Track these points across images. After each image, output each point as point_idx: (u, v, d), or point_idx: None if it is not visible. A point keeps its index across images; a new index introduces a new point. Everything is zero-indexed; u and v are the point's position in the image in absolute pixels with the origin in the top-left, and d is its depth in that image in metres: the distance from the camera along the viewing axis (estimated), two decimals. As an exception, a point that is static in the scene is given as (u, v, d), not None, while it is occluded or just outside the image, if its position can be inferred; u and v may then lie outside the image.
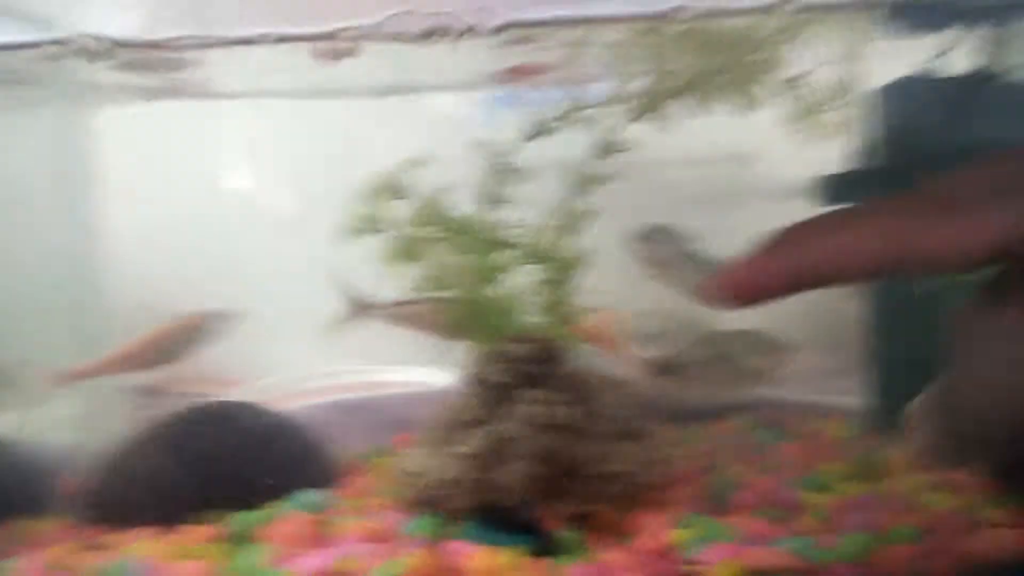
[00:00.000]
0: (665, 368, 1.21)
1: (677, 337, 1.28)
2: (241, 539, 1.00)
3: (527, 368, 1.05)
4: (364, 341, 1.84)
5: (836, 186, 1.29)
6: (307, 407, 1.54)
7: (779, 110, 1.16)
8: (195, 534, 1.00)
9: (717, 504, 1.02)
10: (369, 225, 1.14)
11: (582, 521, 0.99)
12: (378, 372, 1.81)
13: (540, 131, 1.11)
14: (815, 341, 1.77)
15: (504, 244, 1.15)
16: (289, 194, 1.71)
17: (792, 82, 1.16)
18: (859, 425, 1.29)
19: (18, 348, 1.35)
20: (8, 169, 1.33)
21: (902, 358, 1.22)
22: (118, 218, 1.42)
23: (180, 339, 1.49)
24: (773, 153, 1.56)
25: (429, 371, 1.77)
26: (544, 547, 0.93)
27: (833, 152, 1.32)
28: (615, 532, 0.98)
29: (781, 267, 0.69)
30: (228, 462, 1.12)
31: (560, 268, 1.16)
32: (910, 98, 1.26)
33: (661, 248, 0.93)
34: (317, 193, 1.68)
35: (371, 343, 1.83)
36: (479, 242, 1.14)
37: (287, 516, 1.02)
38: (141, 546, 0.98)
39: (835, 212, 0.69)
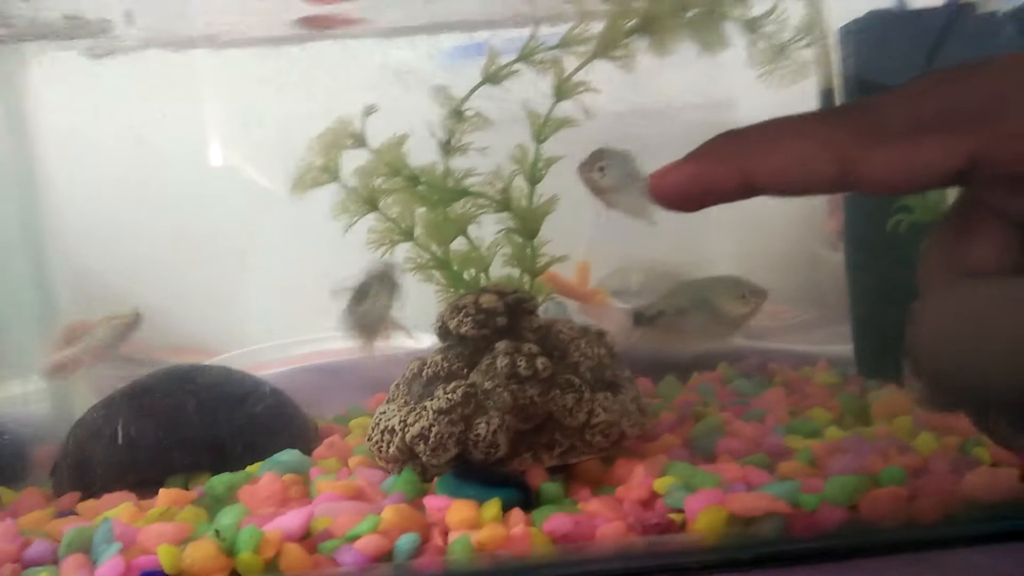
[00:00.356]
0: (641, 318, 1.19)
1: (651, 286, 1.25)
2: (218, 501, 0.99)
3: (500, 320, 1.03)
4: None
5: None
6: (284, 372, 1.52)
7: (747, 50, 1.13)
8: (172, 497, 0.98)
9: (702, 453, 1.01)
10: (323, 176, 1.11)
11: (563, 472, 0.97)
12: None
13: (498, 76, 1.07)
14: (798, 290, 1.76)
15: (467, 193, 1.13)
16: (243, 149, 1.67)
17: (759, 20, 1.12)
18: (845, 371, 1.27)
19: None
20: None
21: (886, 302, 1.20)
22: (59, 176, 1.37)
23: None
24: (743, 97, 1.53)
25: (409, 333, 1.75)
26: (524, 499, 0.91)
27: (803, 94, 1.28)
28: (597, 482, 0.97)
29: (724, 170, 0.64)
30: (203, 425, 1.10)
31: (527, 218, 1.14)
32: (880, 34, 1.21)
33: (609, 172, 0.91)
34: (272, 146, 1.66)
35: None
36: (441, 191, 1.12)
37: (264, 478, 1.00)
38: (117, 511, 0.96)
39: (784, 119, 0.64)
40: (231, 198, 1.56)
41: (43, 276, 1.32)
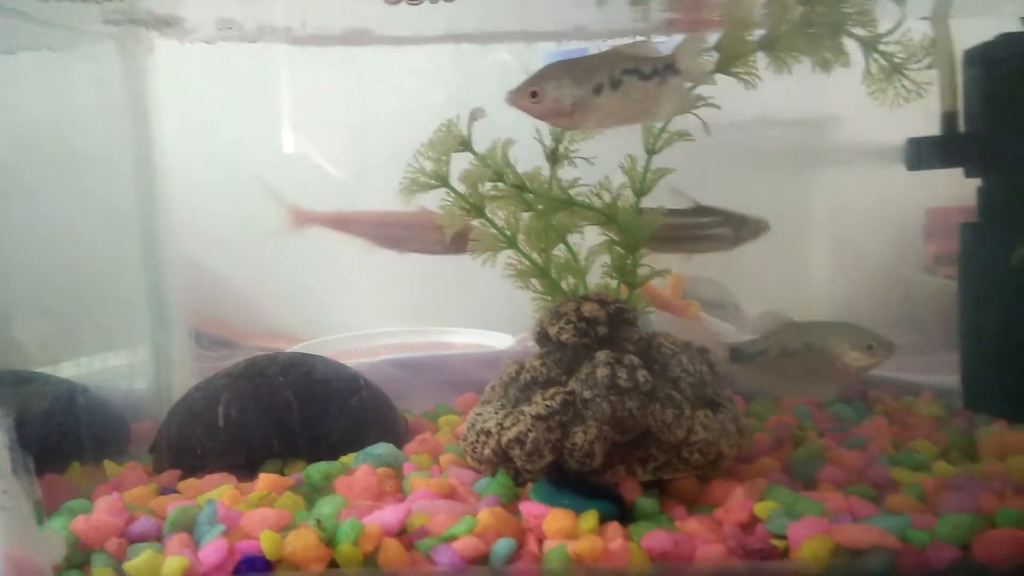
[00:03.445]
0: (739, 355, 1.15)
1: (759, 324, 1.22)
2: (315, 490, 1.00)
3: (601, 330, 1.02)
4: (426, 303, 1.85)
5: (919, 152, 1.22)
6: (369, 364, 1.54)
7: (866, 68, 1.10)
8: (271, 483, 1.00)
9: (802, 479, 0.98)
10: (430, 181, 1.11)
11: (656, 488, 0.96)
12: (439, 333, 1.80)
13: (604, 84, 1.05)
14: (893, 315, 1.71)
15: (574, 203, 1.11)
16: (349, 148, 1.70)
17: (880, 38, 1.09)
18: (950, 403, 1.23)
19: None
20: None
21: (1001, 335, 1.15)
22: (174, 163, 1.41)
23: None
24: (858, 115, 1.49)
25: (490, 333, 1.76)
26: (619, 513, 0.90)
27: (921, 115, 1.24)
28: (692, 501, 0.95)
29: None
30: (301, 413, 1.12)
31: (631, 230, 1.12)
32: (1008, 58, 1.17)
33: (545, 96, 0.90)
34: (376, 147, 1.68)
35: (433, 305, 1.84)
36: (547, 200, 1.11)
37: (359, 469, 1.01)
38: (218, 492, 0.99)
39: None
40: (331, 193, 1.60)
41: (152, 258, 1.36)
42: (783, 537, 0.84)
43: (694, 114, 1.07)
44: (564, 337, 1.02)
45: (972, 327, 1.19)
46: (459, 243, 1.21)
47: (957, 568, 0.80)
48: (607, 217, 1.12)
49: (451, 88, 1.54)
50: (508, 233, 1.15)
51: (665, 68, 0.98)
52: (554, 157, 1.13)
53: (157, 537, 0.91)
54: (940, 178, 1.30)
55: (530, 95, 0.97)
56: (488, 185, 1.13)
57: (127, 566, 0.84)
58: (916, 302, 1.77)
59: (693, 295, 1.61)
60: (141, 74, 1.32)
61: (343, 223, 1.42)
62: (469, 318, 1.80)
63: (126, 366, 1.36)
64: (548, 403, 0.97)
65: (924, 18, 1.17)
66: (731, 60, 1.06)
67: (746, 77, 1.07)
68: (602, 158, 1.13)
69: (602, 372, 0.97)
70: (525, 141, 1.14)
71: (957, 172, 1.25)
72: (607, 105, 0.98)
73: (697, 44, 1.01)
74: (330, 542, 0.85)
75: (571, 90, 0.97)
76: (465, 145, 1.11)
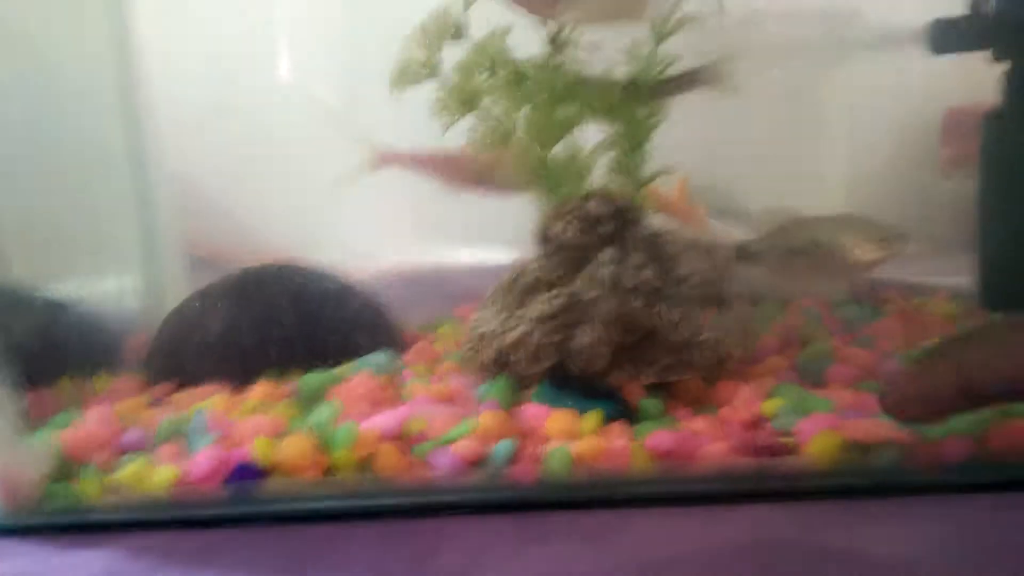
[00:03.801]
0: (744, 252, 1.11)
1: (761, 219, 1.17)
2: (312, 398, 0.98)
3: (605, 228, 0.97)
4: (431, 219, 1.80)
5: (945, 34, 1.15)
6: (369, 275, 1.50)
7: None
8: (265, 391, 0.98)
9: (811, 378, 0.95)
10: (422, 71, 1.04)
11: (662, 390, 0.93)
12: (443, 251, 1.76)
13: None
14: (906, 219, 1.66)
15: (573, 95, 1.05)
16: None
17: None
18: (967, 302, 1.19)
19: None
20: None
21: (1013, 237, 1.11)
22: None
23: None
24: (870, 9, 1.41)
25: (494, 247, 1.72)
26: (624, 414, 0.88)
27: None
28: (698, 402, 0.92)
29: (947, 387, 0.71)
30: (296, 322, 1.09)
31: (636, 125, 1.06)
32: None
33: None
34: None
35: (439, 222, 1.79)
36: (546, 92, 1.04)
37: (357, 377, 0.98)
38: (211, 402, 0.96)
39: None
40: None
41: (141, 180, 1.32)
42: (791, 434, 0.81)
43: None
44: (568, 235, 0.98)
45: (993, 223, 1.14)
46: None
47: (973, 462, 0.78)
48: (610, 110, 1.06)
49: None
50: (506, 127, 1.09)
51: None
52: (555, 42, 1.06)
53: (148, 448, 0.89)
54: (962, 69, 1.24)
55: None
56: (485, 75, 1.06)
57: (117, 476, 0.83)
58: (930, 206, 1.72)
59: (713, 203, 1.57)
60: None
61: (422, 164, 1.36)
62: (472, 235, 1.76)
63: (115, 288, 1.32)
64: (550, 304, 0.93)
65: None
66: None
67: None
68: (608, 44, 1.07)
69: (606, 270, 0.94)
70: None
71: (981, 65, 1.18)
72: None
73: None
74: (326, 447, 0.83)
75: None
76: (458, 31, 1.05)
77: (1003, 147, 1.12)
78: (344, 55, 1.64)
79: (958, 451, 0.78)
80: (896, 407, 0.76)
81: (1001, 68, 1.15)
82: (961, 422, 0.79)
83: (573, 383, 0.91)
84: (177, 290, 1.39)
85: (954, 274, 1.31)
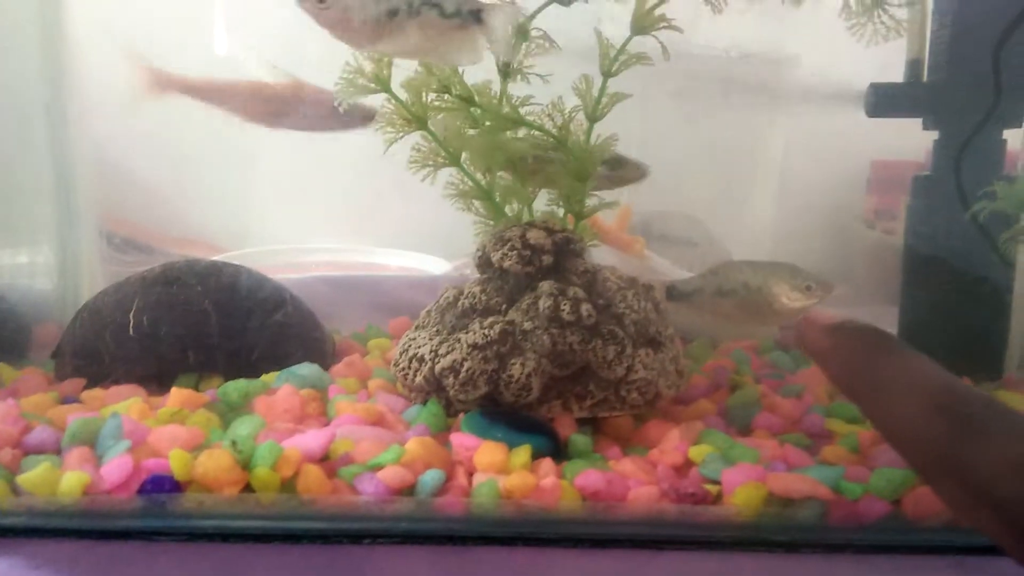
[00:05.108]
0: (674, 293, 1.12)
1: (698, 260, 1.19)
2: (232, 409, 0.94)
3: (546, 259, 0.97)
4: (362, 221, 1.77)
5: (880, 99, 1.19)
6: (299, 279, 1.46)
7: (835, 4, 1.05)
8: (183, 398, 0.94)
9: (738, 424, 0.97)
10: (369, 84, 1.02)
11: (591, 425, 0.93)
12: (372, 253, 1.74)
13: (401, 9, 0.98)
14: (829, 264, 1.71)
15: (524, 123, 1.05)
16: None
17: None
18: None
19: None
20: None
21: (942, 289, 1.15)
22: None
23: None
24: (820, 53, 1.45)
25: (426, 257, 1.69)
26: (553, 449, 0.87)
27: (886, 58, 1.20)
28: (627, 441, 0.93)
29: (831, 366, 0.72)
30: (220, 325, 1.05)
31: (581, 157, 1.06)
32: (977, 9, 1.13)
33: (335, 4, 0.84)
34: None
35: (370, 224, 1.76)
36: (496, 117, 1.04)
37: (281, 389, 0.95)
38: (126, 406, 0.92)
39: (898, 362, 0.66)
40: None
41: (62, 153, 1.25)
42: (717, 482, 0.82)
43: (654, 36, 1.01)
44: (508, 264, 0.97)
45: (914, 280, 1.18)
46: (337, 119, 1.13)
47: (886, 522, 0.80)
48: (557, 141, 1.06)
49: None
50: (451, 149, 1.08)
51: (469, 14, 0.91)
52: (506, 71, 1.05)
53: (55, 450, 0.84)
54: (890, 128, 1.28)
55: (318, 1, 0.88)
56: (433, 96, 1.05)
57: (21, 479, 0.78)
58: (852, 252, 1.78)
59: (662, 230, 1.58)
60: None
61: (210, 92, 1.26)
62: (404, 238, 1.73)
63: (28, 264, 1.25)
64: (486, 332, 0.92)
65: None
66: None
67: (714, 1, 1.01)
68: (558, 76, 1.06)
69: (545, 303, 0.93)
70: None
71: (911, 124, 1.23)
72: (399, 32, 0.91)
73: (513, 13, 0.94)
74: (246, 465, 0.79)
75: (364, 5, 0.89)
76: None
77: (928, 208, 1.16)
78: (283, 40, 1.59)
79: (875, 510, 0.80)
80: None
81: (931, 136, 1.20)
82: (880, 481, 0.81)
83: (504, 414, 0.90)
84: (95, 270, 1.33)
85: (878, 324, 1.36)
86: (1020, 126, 1.12)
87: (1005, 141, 1.12)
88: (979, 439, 0.59)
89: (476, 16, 0.91)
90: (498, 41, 0.93)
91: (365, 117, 1.15)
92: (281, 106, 1.27)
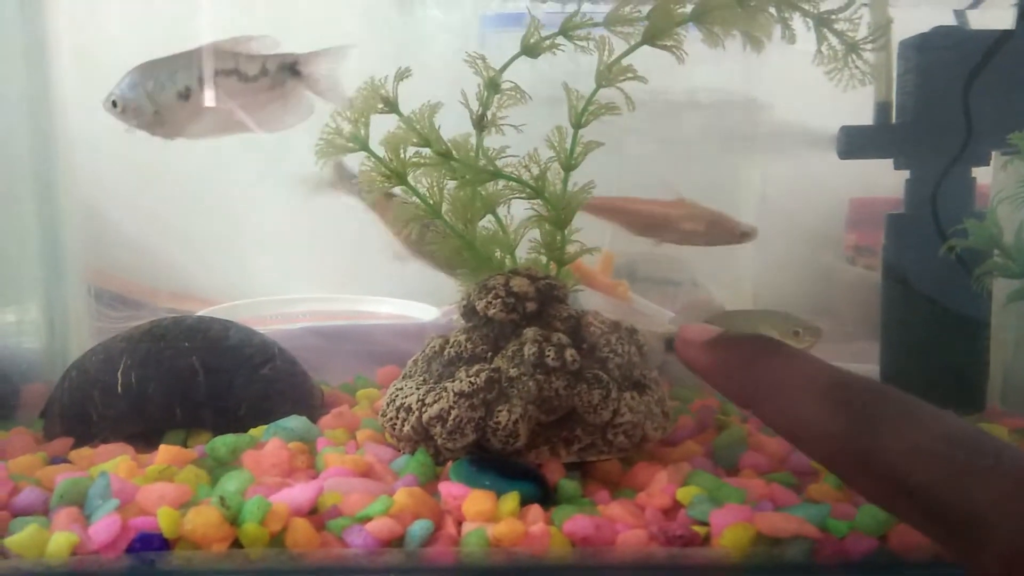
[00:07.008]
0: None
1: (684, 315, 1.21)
2: (220, 464, 0.94)
3: (530, 306, 0.98)
4: (349, 270, 1.78)
5: (851, 141, 1.22)
6: (287, 331, 1.47)
7: (818, 47, 1.07)
8: (171, 455, 0.94)
9: (725, 464, 0.97)
10: (347, 144, 1.04)
11: (579, 470, 0.94)
12: (361, 302, 1.75)
13: (537, 48, 1.00)
14: (811, 301, 1.73)
15: (501, 175, 1.07)
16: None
17: (826, 16, 1.06)
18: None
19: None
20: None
21: (918, 326, 1.17)
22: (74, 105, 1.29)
23: None
24: (792, 97, 1.48)
25: (414, 304, 1.71)
26: (541, 495, 0.88)
27: (856, 102, 1.24)
28: (615, 484, 0.93)
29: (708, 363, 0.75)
30: (208, 381, 1.05)
31: (559, 206, 1.08)
32: (940, 52, 1.17)
33: (127, 106, 0.84)
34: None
35: (356, 272, 1.78)
36: (474, 170, 1.06)
37: (269, 443, 0.96)
38: (114, 464, 0.92)
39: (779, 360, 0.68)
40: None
41: (49, 209, 1.26)
42: (705, 523, 0.82)
43: (619, 88, 1.04)
44: (492, 312, 0.98)
45: (894, 317, 1.20)
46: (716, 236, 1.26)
47: (873, 559, 0.80)
48: (535, 191, 1.08)
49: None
50: (432, 201, 1.09)
51: (280, 70, 0.91)
52: (480, 124, 1.07)
53: (44, 511, 0.84)
54: (865, 168, 1.31)
55: (111, 104, 0.88)
56: (412, 151, 1.07)
57: (8, 541, 0.78)
58: (834, 289, 1.80)
59: (646, 273, 1.60)
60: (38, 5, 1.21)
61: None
62: (392, 287, 1.74)
63: (15, 323, 1.26)
64: (472, 380, 0.93)
65: (864, 4, 1.16)
66: (659, 32, 1.03)
67: (675, 50, 1.03)
68: (532, 127, 1.09)
69: (530, 350, 0.94)
70: (454, 105, 1.09)
71: (885, 163, 1.26)
72: (200, 110, 0.90)
73: (336, 54, 0.95)
74: (234, 521, 0.80)
75: (151, 96, 0.89)
76: (389, 105, 1.05)
77: (903, 247, 1.19)
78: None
79: (861, 547, 0.81)
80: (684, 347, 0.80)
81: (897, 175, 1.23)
82: (865, 518, 0.82)
83: (492, 461, 0.91)
84: (83, 327, 1.33)
85: (859, 359, 1.37)
86: (988, 164, 1.15)
87: (974, 179, 1.16)
88: (881, 428, 0.59)
89: (291, 69, 0.90)
90: (326, 90, 0.92)
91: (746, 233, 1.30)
92: (666, 223, 1.38)
